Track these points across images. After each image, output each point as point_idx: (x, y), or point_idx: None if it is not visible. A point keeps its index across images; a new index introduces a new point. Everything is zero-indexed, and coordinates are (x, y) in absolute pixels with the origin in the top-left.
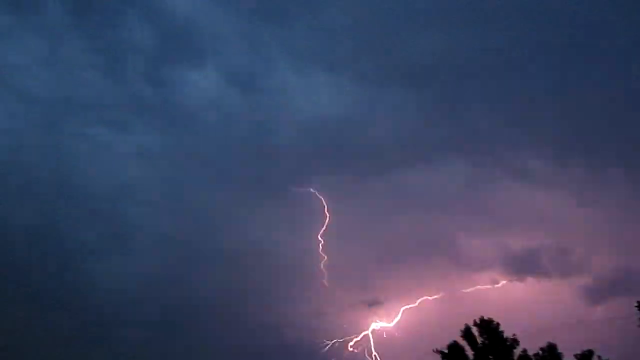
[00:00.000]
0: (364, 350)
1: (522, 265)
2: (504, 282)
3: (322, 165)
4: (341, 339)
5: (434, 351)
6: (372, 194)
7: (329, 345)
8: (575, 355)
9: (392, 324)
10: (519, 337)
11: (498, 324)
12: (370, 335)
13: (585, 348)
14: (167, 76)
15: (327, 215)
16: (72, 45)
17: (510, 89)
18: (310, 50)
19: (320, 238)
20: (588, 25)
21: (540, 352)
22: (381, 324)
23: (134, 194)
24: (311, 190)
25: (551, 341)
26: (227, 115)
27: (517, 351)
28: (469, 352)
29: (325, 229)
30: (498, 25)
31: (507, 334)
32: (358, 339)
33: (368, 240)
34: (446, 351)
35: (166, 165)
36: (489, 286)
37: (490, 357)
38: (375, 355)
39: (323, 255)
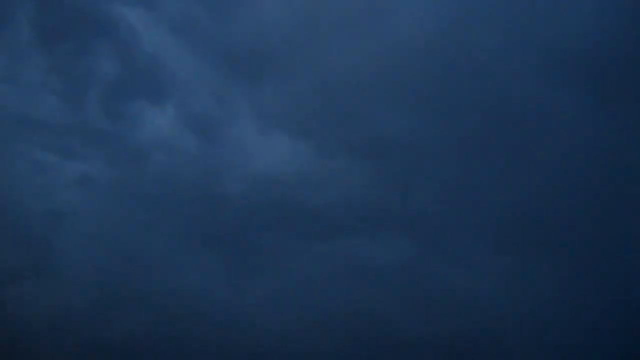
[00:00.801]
0: None
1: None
2: None
3: (268, 222)
4: None
5: None
6: (313, 257)
7: None
8: None
9: None
10: None
11: None
12: None
13: None
14: (125, 109)
15: (264, 271)
16: (33, 64)
17: (463, 176)
18: (275, 111)
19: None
20: (543, 122)
21: None
22: None
23: (67, 223)
24: (253, 243)
25: None
26: (179, 158)
27: None
28: None
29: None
30: (463, 115)
31: None
32: None
33: (296, 308)
34: None
35: (107, 199)
36: None
37: None
38: None
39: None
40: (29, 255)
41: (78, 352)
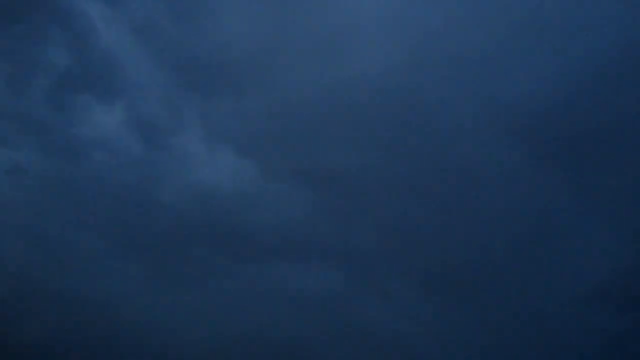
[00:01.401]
0: None
1: None
2: None
3: (201, 237)
4: None
5: None
6: (241, 278)
7: None
8: None
9: None
10: None
11: None
12: None
13: None
14: (71, 102)
15: (190, 286)
16: None
17: (401, 217)
18: (224, 127)
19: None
20: (481, 174)
21: None
22: None
23: None
24: (182, 256)
25: None
26: (120, 160)
27: None
28: None
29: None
30: (407, 158)
31: None
32: None
33: (217, 326)
34: None
35: (38, 191)
36: None
37: None
38: None
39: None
40: None
41: None
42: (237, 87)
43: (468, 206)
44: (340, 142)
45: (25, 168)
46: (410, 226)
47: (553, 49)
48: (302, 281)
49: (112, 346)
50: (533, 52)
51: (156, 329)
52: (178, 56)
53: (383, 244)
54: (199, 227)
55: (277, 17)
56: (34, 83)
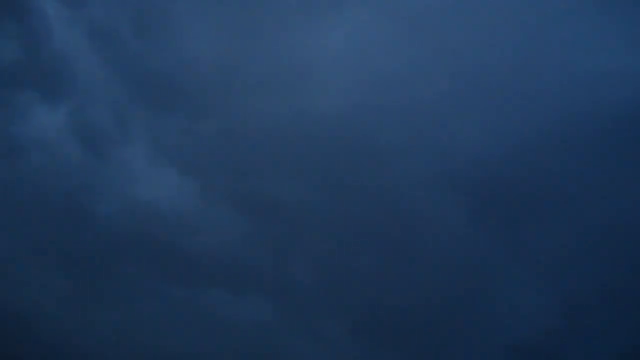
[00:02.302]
0: None
1: None
2: None
3: (133, 254)
4: None
5: None
6: (170, 300)
7: None
8: None
9: None
10: None
11: None
12: None
13: None
14: (11, 99)
15: (115, 304)
16: None
17: (339, 257)
18: (171, 144)
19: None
20: (424, 225)
21: None
22: None
23: None
24: (111, 273)
25: None
26: (57, 165)
27: None
28: None
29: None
30: (353, 198)
31: None
32: None
33: (140, 348)
34: None
35: None
36: None
37: None
38: None
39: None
40: None
41: None
42: (190, 107)
43: (407, 253)
44: (287, 174)
45: None
46: (347, 266)
47: (507, 109)
48: (231, 309)
49: (26, 356)
50: (487, 109)
51: (76, 346)
52: (133, 68)
53: (318, 281)
54: (132, 244)
55: (240, 43)
56: None
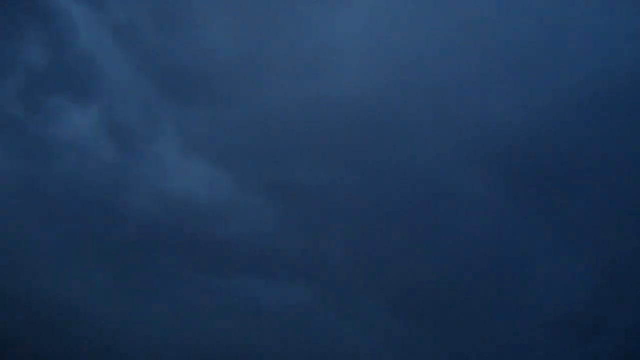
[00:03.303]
0: None
1: None
2: None
3: (168, 246)
4: None
5: None
6: (206, 289)
7: None
8: None
9: None
10: None
11: None
12: None
13: None
14: (45, 102)
15: (153, 295)
16: None
17: (371, 237)
18: (200, 136)
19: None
20: (455, 201)
21: None
22: None
23: None
24: (148, 265)
25: None
26: (91, 164)
27: None
28: None
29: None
30: (383, 179)
31: None
32: None
33: (178, 337)
34: None
35: (4, 191)
36: None
37: None
38: None
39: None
40: None
41: None
42: (217, 98)
43: (440, 229)
44: (316, 159)
45: None
46: (380, 245)
47: (533, 79)
48: (269, 295)
49: (72, 351)
50: (513, 82)
51: (118, 336)
52: (159, 62)
53: (352, 262)
54: (168, 236)
55: (262, 32)
56: (9, 81)
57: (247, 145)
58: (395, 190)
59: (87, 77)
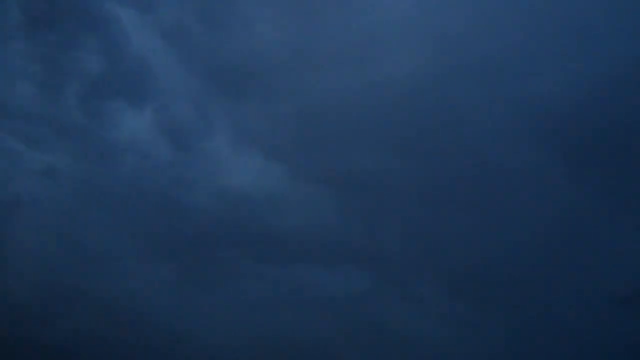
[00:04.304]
0: None
1: None
2: None
3: (228, 239)
4: None
5: None
6: (267, 280)
7: None
8: None
9: None
10: None
11: None
12: None
13: None
14: (103, 107)
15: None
16: (17, 49)
17: (428, 222)
18: (253, 130)
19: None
20: (513, 182)
21: None
22: None
23: (25, 213)
24: (209, 258)
25: None
26: (150, 164)
27: None
28: None
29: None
30: (438, 163)
31: None
32: None
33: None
34: None
35: (70, 193)
36: None
37: None
38: None
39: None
40: None
41: (15, 348)
42: (266, 91)
43: (496, 209)
44: (368, 146)
45: (58, 170)
46: (437, 229)
47: (582, 50)
48: (328, 284)
49: (141, 347)
50: (562, 53)
51: (184, 330)
52: (208, 61)
53: (409, 247)
54: (228, 230)
55: (306, 23)
56: (67, 88)
57: (300, 136)
58: (451, 172)
59: (141, 80)
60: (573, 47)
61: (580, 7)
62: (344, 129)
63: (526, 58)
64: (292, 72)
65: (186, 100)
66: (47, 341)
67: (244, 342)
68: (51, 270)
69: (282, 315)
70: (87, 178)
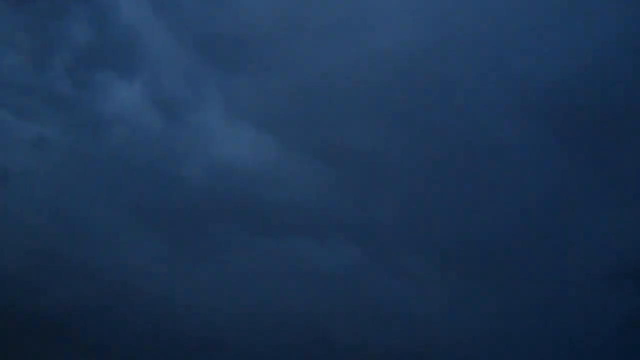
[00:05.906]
0: None
1: None
2: None
3: (220, 211)
4: None
5: None
6: (259, 252)
7: None
8: None
9: None
10: None
11: None
12: None
13: None
14: (92, 78)
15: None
16: (3, 19)
17: (420, 195)
18: (245, 102)
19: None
20: (506, 156)
21: None
22: None
23: (14, 183)
24: (201, 230)
25: None
26: (141, 135)
27: None
28: None
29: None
30: (431, 136)
31: None
32: None
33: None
34: None
35: (60, 164)
36: None
37: None
38: None
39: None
40: None
41: (4, 318)
42: (259, 63)
43: (489, 184)
44: (362, 119)
45: (48, 141)
46: (429, 203)
47: (580, 26)
48: (319, 257)
49: (129, 314)
50: (561, 29)
51: (174, 301)
52: (199, 32)
53: (401, 221)
54: (219, 202)
55: None
56: (56, 58)
57: (292, 109)
58: (443, 147)
59: (131, 51)
60: (568, 23)
61: None
62: (338, 101)
63: (519, 33)
64: (286, 44)
65: (177, 71)
66: (36, 311)
67: (235, 312)
68: (40, 241)
69: (273, 288)
70: (77, 149)
